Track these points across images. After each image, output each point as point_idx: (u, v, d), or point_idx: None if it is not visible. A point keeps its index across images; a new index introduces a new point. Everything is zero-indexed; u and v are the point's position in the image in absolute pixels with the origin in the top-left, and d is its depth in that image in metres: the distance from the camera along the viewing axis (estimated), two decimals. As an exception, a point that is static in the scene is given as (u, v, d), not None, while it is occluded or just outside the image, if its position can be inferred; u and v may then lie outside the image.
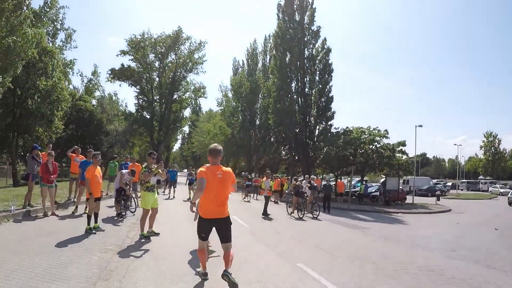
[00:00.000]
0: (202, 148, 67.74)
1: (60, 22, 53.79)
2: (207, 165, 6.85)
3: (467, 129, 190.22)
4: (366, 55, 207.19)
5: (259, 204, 24.96)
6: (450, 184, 74.67)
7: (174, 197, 25.78)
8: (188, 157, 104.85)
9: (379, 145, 36.02)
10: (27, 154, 16.26)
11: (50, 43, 49.54)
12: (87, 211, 11.22)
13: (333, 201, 26.79)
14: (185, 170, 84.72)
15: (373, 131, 36.97)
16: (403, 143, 36.10)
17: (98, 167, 11.44)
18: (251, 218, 17.91)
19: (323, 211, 22.33)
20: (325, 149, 40.18)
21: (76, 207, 14.80)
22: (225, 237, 6.83)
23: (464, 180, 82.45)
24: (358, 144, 35.67)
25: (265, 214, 18.89)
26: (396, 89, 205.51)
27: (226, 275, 6.36)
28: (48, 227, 11.13)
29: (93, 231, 10.62)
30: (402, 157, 36.97)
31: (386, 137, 36.42)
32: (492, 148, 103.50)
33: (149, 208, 10.81)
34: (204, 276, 7.08)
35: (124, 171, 15.25)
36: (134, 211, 15.44)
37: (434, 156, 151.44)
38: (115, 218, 13.95)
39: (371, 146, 36.18)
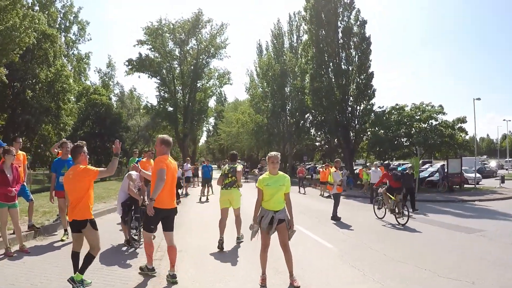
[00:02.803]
0: (230, 139, 65.08)
1: (74, 15, 51.10)
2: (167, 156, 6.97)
3: (494, 106, 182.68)
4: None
5: (308, 200, 21.34)
6: (493, 163, 68.93)
7: (208, 199, 21.33)
8: (215, 150, 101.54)
9: (436, 122, 31.33)
10: None
11: (63, 37, 46.55)
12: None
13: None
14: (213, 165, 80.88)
15: (427, 107, 32.32)
16: (462, 120, 31.26)
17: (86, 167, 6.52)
18: (320, 226, 13.17)
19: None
20: (368, 132, 36.50)
21: (65, 230, 9.95)
22: (170, 227, 7.03)
23: (509, 159, 76.05)
24: (412, 123, 31.21)
25: (336, 218, 14.27)
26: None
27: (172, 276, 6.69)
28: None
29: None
30: (461, 135, 32.11)
31: (443, 113, 31.71)
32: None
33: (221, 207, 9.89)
34: (152, 271, 7.08)
35: (133, 172, 9.16)
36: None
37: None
38: (124, 248, 9.14)
39: (425, 125, 31.57)
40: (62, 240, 9.62)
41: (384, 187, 15.08)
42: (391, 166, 19.64)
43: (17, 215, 8.39)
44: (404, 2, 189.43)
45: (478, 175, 34.18)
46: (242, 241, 9.93)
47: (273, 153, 6.87)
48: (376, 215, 15.36)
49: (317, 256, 8.87)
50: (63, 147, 10.10)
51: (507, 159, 73.97)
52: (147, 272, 7.00)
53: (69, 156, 9.29)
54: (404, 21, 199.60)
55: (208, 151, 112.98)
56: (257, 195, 6.77)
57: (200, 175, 33.37)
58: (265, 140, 53.48)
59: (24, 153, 10.14)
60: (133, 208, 9.32)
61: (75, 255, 6.31)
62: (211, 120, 79.34)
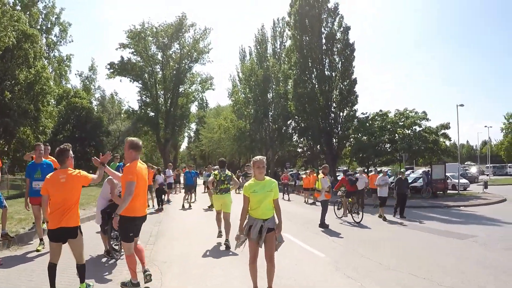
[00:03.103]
0: (211, 145, 64.97)
1: (56, 16, 50.36)
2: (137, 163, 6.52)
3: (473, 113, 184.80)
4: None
5: (294, 207, 21.11)
6: (474, 169, 69.69)
7: (190, 206, 20.52)
8: (197, 156, 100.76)
9: (420, 128, 31.33)
10: None
11: (45, 39, 45.84)
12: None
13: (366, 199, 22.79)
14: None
15: (410, 113, 32.36)
16: (446, 126, 31.48)
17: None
18: (308, 233, 12.80)
19: (392, 214, 17.28)
20: (352, 138, 36.55)
21: (41, 240, 9.24)
22: (138, 233, 6.73)
23: (489, 165, 77.14)
24: (395, 129, 31.20)
25: (324, 226, 13.90)
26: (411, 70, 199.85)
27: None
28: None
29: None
30: (444, 141, 32.25)
31: (427, 120, 31.82)
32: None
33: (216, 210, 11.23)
34: (137, 286, 6.45)
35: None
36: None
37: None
38: (104, 260, 8.42)
39: (408, 131, 31.62)
40: (37, 251, 8.82)
41: (342, 190, 17.07)
42: (348, 172, 20.11)
43: None
44: (397, 3, 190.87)
45: (465, 180, 34.42)
46: (229, 246, 9.89)
47: (258, 157, 6.42)
48: (336, 215, 17.29)
49: (309, 265, 8.45)
50: (36, 149, 9.33)
51: (487, 165, 75.04)
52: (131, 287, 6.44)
53: (43, 159, 8.86)
54: (397, 23, 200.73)
55: (189, 157, 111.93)
56: (243, 203, 6.28)
57: (182, 181, 32.84)
58: (247, 146, 52.78)
59: None
60: (112, 216, 8.37)
61: (52, 268, 5.83)
62: (193, 125, 78.52)
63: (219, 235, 10.89)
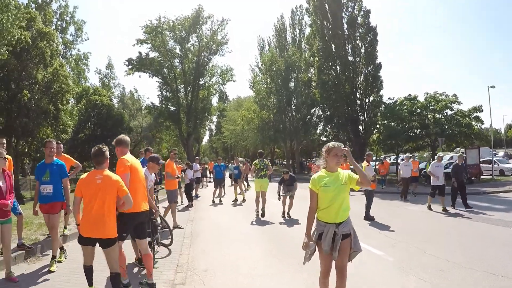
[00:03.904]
0: (234, 137, 64.53)
1: (70, 15, 49.96)
2: (128, 156, 6.16)
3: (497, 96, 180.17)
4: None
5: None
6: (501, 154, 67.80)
7: (221, 201, 19.56)
8: (219, 149, 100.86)
9: (452, 112, 30.12)
10: None
11: (61, 39, 45.46)
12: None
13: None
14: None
15: (441, 96, 31.15)
16: (478, 108, 30.09)
17: None
18: (356, 228, 11.55)
19: (451, 204, 15.20)
20: (379, 124, 35.77)
21: (61, 249, 7.99)
22: (144, 234, 6.23)
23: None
24: (426, 113, 30.14)
25: (370, 218, 12.89)
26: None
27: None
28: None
29: None
30: (477, 125, 30.98)
31: (458, 103, 30.55)
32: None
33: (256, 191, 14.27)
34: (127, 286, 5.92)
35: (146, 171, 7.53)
36: (168, 247, 8.87)
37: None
38: (136, 269, 7.34)
39: (439, 116, 30.44)
40: (50, 271, 7.06)
41: None
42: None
43: (10, 233, 6.54)
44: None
45: None
46: (264, 214, 13.97)
47: (335, 143, 4.84)
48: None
49: (371, 267, 7.30)
50: (46, 147, 7.78)
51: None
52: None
53: (55, 158, 7.77)
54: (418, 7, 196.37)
55: (211, 150, 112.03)
56: (310, 201, 4.83)
57: (208, 175, 32.03)
58: (271, 136, 52.15)
59: (10, 157, 8.12)
60: None
61: (89, 270, 5.42)
62: (214, 118, 78.26)
63: (257, 214, 14.09)
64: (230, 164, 33.59)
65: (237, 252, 8.68)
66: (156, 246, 7.96)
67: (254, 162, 14.74)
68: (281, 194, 13.81)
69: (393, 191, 22.66)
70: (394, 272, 7.05)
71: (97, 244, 5.25)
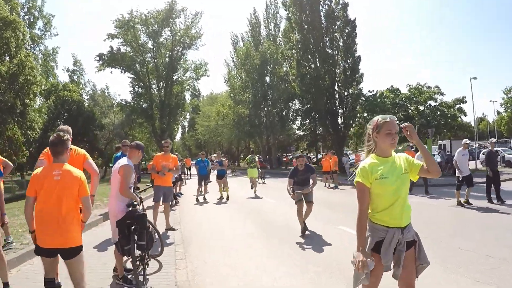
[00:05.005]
0: (208, 133, 64.03)
1: (38, 9, 48.12)
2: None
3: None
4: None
5: (320, 193, 17.61)
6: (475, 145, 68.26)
7: (205, 199, 18.13)
8: (192, 146, 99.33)
9: (436, 103, 29.72)
10: None
11: (28, 34, 43.67)
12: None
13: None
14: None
15: (423, 88, 30.80)
16: (462, 100, 29.89)
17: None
18: None
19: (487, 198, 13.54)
20: (358, 117, 35.83)
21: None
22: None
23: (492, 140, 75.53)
24: (410, 105, 29.73)
25: None
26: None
27: None
28: None
29: None
30: (460, 116, 30.67)
31: (442, 94, 30.34)
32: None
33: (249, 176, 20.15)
34: None
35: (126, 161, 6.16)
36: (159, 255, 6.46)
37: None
38: None
39: (422, 107, 30.07)
40: None
41: None
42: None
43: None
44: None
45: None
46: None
47: (385, 116, 3.43)
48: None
49: None
50: None
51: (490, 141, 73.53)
52: None
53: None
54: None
55: (184, 148, 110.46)
56: (360, 201, 3.39)
57: (186, 172, 30.73)
58: (247, 131, 51.89)
59: None
60: (135, 229, 5.64)
61: (51, 283, 4.38)
62: (187, 115, 76.92)
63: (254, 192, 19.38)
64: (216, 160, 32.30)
65: (244, 260, 7.39)
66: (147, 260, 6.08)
67: (247, 158, 21.39)
68: (294, 199, 9.29)
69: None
70: (439, 273, 5.91)
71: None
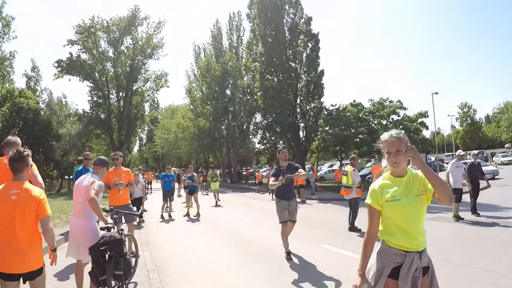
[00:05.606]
0: (166, 146, 63.40)
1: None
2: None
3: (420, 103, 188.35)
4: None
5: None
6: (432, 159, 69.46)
7: (170, 216, 17.22)
8: (149, 159, 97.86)
9: (399, 117, 30.21)
10: None
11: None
12: None
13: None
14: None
15: (385, 102, 31.25)
16: (424, 114, 30.53)
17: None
18: (349, 241, 9.91)
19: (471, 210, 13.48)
20: (320, 131, 36.01)
21: None
22: None
23: (449, 153, 76.56)
24: (373, 119, 30.16)
25: (355, 229, 11.36)
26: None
27: None
28: None
29: None
30: (422, 130, 31.32)
31: (404, 108, 30.85)
32: (468, 118, 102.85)
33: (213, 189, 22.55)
34: None
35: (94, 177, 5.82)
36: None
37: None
38: None
39: (385, 122, 30.52)
40: None
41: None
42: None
43: None
44: None
45: (493, 168, 32.60)
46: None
47: (386, 134, 3.18)
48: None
49: None
50: None
51: (447, 154, 75.14)
52: None
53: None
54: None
55: (141, 160, 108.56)
56: (369, 224, 3.22)
57: (147, 186, 29.71)
58: (208, 144, 51.07)
59: None
60: (110, 254, 5.12)
61: None
62: (145, 127, 75.73)
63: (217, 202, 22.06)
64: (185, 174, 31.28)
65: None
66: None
67: (209, 173, 25.13)
68: (283, 182, 7.59)
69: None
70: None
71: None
